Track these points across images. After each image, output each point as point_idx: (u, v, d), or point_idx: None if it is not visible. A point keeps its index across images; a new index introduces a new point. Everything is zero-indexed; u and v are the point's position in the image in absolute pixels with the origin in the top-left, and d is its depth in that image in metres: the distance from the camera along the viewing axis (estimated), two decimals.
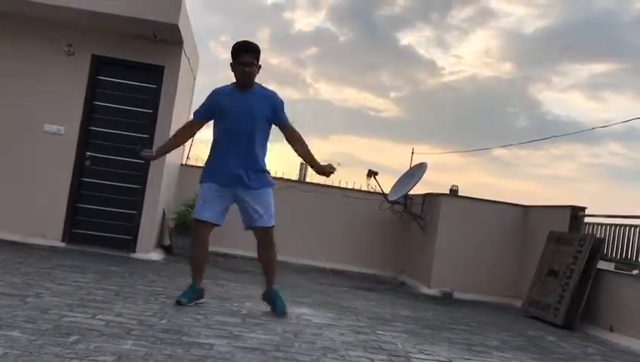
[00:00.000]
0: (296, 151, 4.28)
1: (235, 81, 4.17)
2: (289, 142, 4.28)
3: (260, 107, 4.11)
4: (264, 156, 4.20)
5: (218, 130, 4.17)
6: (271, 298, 4.24)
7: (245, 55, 4.06)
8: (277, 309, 4.16)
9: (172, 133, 6.72)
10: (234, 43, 4.12)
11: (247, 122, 4.07)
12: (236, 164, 4.05)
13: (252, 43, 4.12)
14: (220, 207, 4.12)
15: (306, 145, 4.28)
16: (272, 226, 4.17)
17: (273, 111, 4.16)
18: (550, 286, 6.22)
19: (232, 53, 4.10)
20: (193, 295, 4.14)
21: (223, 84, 4.27)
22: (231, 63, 4.10)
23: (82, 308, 3.54)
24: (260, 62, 4.16)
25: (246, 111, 4.07)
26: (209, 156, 4.23)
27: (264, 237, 4.18)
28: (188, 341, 3.09)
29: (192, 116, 4.46)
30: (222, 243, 7.92)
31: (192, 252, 4.34)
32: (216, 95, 4.18)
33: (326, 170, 4.28)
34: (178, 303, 4.02)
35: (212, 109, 4.16)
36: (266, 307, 4.26)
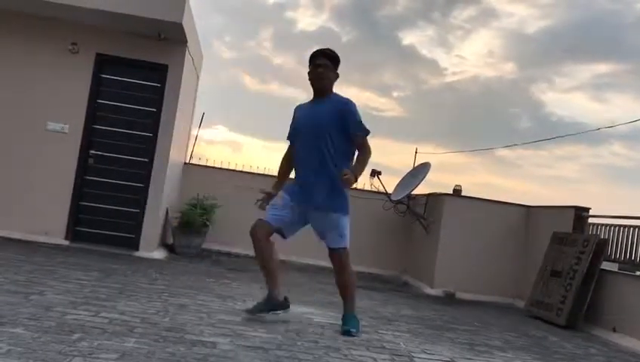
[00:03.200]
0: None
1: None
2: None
3: (331, 117, 3.79)
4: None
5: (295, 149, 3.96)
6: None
7: (319, 58, 3.90)
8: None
9: (175, 132, 6.78)
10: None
11: (316, 137, 3.77)
12: (307, 184, 3.82)
13: (328, 49, 3.95)
14: (286, 216, 3.81)
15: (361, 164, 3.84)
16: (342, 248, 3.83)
17: (342, 120, 3.80)
18: (553, 286, 6.21)
19: (308, 61, 3.92)
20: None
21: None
22: (308, 73, 3.92)
23: (85, 305, 3.55)
24: (337, 71, 3.96)
25: (316, 123, 3.81)
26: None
27: (332, 259, 3.91)
28: (191, 339, 3.09)
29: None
30: (225, 242, 8.02)
31: None
32: (295, 111, 4.02)
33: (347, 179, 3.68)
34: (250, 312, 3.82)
35: (294, 127, 3.97)
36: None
